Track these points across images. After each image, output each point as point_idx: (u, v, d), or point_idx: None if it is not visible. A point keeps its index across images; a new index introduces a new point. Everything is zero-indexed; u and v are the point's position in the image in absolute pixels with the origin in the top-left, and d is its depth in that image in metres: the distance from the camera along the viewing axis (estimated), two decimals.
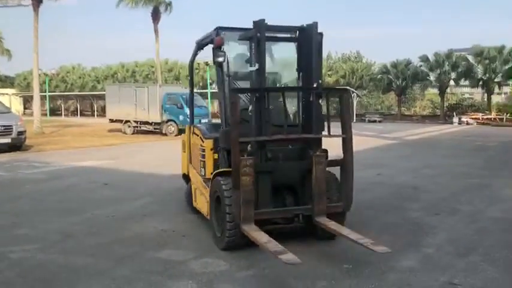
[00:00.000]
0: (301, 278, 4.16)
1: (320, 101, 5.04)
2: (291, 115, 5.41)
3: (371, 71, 44.54)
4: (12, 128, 15.03)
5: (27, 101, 50.17)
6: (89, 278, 4.21)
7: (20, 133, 15.31)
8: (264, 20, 4.79)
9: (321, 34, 5.07)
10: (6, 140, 14.93)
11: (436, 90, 40.38)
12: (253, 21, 4.81)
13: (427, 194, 7.98)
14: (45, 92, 44.67)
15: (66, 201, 7.56)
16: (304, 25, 5.08)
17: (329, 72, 42.83)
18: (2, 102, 18.15)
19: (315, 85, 4.99)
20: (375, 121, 35.53)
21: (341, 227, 4.70)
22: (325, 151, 5.02)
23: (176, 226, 5.88)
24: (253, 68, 4.85)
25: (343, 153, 4.88)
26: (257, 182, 4.66)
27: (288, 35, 5.53)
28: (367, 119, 36.52)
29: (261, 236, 4.31)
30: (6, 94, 47.67)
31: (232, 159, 4.47)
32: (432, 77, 38.84)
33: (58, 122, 33.04)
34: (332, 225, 4.71)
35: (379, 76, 41.88)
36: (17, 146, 15.27)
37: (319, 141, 5.02)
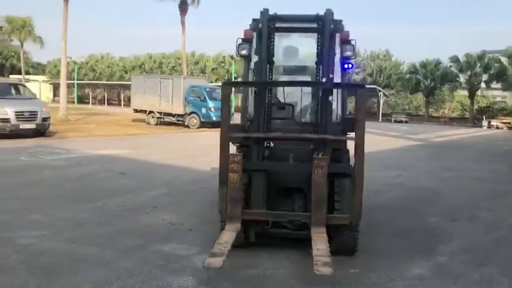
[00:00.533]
0: (304, 280, 4.05)
1: (331, 98, 4.67)
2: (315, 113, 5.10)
3: (399, 70, 43.76)
4: (37, 114, 15.32)
5: (56, 88, 51.20)
6: (91, 267, 4.18)
7: (45, 119, 15.59)
8: (267, 9, 4.57)
9: (336, 22, 4.69)
10: (31, 125, 15.23)
11: (466, 92, 39.38)
12: (260, 12, 4.62)
13: (446, 199, 7.73)
14: (74, 80, 45.52)
15: (81, 189, 7.61)
16: (321, 14, 4.70)
17: (356, 70, 42.22)
18: (29, 89, 18.51)
19: (323, 80, 4.57)
20: (401, 121, 34.93)
21: (319, 241, 4.04)
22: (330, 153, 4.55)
23: (185, 219, 5.83)
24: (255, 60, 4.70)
25: (354, 158, 4.30)
26: (251, 180, 4.51)
27: (306, 26, 5.03)
28: (393, 119, 35.93)
29: (224, 236, 4.10)
30: (36, 81, 48.71)
31: (220, 154, 4.36)
32: (462, 78, 37.88)
33: (84, 110, 33.55)
34: (317, 236, 4.14)
35: (407, 76, 41.09)
36: (41, 131, 15.58)
37: (332, 142, 4.58)
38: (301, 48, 5.51)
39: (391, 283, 4.06)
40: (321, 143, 4.54)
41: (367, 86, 29.83)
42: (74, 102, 44.87)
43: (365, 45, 48.55)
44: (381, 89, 37.67)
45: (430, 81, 38.91)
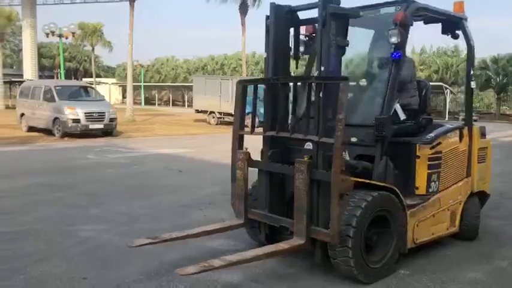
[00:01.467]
0: (354, 280, 3.98)
1: (313, 95, 3.91)
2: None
3: None
4: (105, 115, 16.19)
5: (125, 91, 53.53)
6: (143, 260, 4.35)
7: (112, 120, 16.43)
8: (273, 2, 4.29)
9: (329, 8, 3.86)
10: (100, 125, 16.14)
11: None
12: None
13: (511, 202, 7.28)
14: (141, 82, 47.47)
15: (140, 186, 7.94)
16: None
17: (421, 67, 40.77)
18: (97, 91, 19.56)
19: (315, 73, 3.96)
20: None
21: (262, 249, 3.84)
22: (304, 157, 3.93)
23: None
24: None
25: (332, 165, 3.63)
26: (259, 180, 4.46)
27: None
28: (460, 117, 34.23)
29: (204, 227, 4.49)
30: (106, 83, 51.27)
31: (232, 151, 4.41)
32: None
33: (150, 111, 34.91)
34: (274, 246, 3.87)
35: (477, 72, 39.02)
36: (108, 131, 16.47)
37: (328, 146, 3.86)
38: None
39: (443, 286, 3.89)
40: (316, 146, 3.92)
41: (433, 84, 28.54)
42: (141, 103, 46.84)
43: (432, 40, 46.86)
44: (447, 86, 36.09)
45: (502, 78, 36.73)
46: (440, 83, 35.26)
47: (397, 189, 4.01)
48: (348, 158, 4.27)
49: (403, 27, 4.08)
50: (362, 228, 3.74)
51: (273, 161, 4.31)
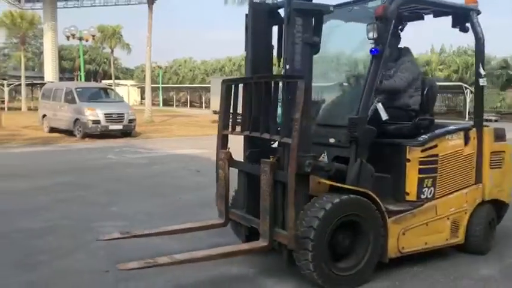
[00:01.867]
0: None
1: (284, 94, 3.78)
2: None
3: (489, 66, 41.06)
4: (124, 116, 16.49)
5: (143, 92, 54.23)
6: (156, 255, 4.48)
7: (131, 121, 16.74)
8: (252, 0, 4.22)
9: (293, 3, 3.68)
10: (119, 126, 16.45)
11: None
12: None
13: None
14: (159, 83, 48.01)
15: (159, 185, 8.13)
16: None
17: (440, 67, 40.35)
18: (117, 92, 19.91)
19: (280, 72, 3.92)
20: (490, 120, 32.75)
21: (218, 250, 3.89)
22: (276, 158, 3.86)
23: None
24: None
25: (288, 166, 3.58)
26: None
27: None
28: None
29: (188, 224, 4.69)
30: (125, 85, 51.96)
31: (216, 150, 4.44)
32: None
33: (168, 112, 35.25)
34: (235, 246, 4.01)
35: (497, 72, 38.46)
36: (127, 132, 16.77)
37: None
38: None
39: (455, 282, 3.95)
40: (283, 146, 3.86)
41: (452, 83, 28.15)
42: (159, 104, 47.37)
43: (452, 40, 46.29)
44: (467, 86, 35.65)
45: None
46: (460, 83, 34.88)
47: (372, 194, 3.73)
48: (326, 159, 4.18)
49: (383, 21, 3.81)
50: (325, 232, 3.53)
51: (251, 161, 4.27)
